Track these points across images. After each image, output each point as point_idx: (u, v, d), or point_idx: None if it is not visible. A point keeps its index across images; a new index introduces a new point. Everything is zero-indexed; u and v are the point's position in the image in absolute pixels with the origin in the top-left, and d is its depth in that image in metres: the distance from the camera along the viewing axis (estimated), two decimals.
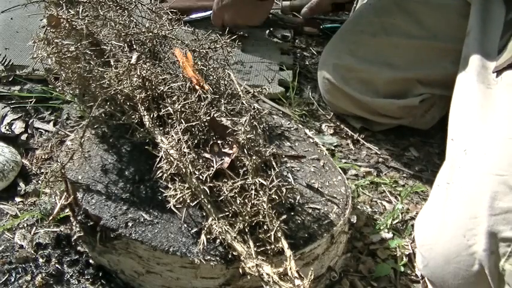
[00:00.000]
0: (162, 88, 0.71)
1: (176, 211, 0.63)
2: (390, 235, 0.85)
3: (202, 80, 0.75)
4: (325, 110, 1.14)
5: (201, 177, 0.64)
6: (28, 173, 0.87)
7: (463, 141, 0.77)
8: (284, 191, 0.65)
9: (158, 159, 0.65)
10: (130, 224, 0.64)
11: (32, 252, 0.72)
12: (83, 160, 0.72)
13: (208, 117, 0.69)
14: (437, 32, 1.02)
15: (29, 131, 0.96)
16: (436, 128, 1.09)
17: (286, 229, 0.63)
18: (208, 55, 0.83)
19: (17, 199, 0.83)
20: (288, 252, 0.58)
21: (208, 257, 0.61)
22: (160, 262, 0.64)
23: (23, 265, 0.70)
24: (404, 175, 1.01)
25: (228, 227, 0.60)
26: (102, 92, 0.72)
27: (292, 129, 0.85)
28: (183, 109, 0.69)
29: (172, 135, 0.67)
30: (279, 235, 0.61)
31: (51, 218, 0.75)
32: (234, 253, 0.60)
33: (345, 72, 1.06)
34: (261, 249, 0.60)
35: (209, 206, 0.62)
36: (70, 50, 0.74)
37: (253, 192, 0.63)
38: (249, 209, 0.61)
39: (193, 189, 0.63)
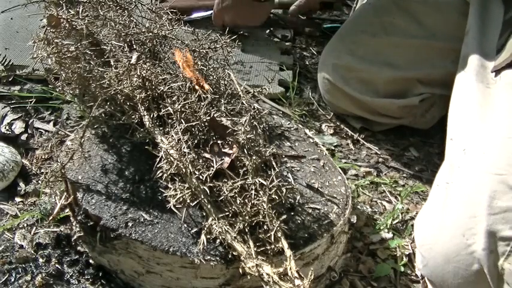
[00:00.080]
0: (162, 88, 0.71)
1: (176, 211, 0.63)
2: (390, 235, 0.85)
3: (202, 80, 0.75)
4: (325, 110, 1.15)
5: (201, 177, 0.64)
6: (28, 173, 0.87)
7: (462, 140, 0.77)
8: (284, 191, 0.65)
9: (158, 159, 0.65)
10: (130, 224, 0.64)
11: (32, 252, 0.72)
12: (83, 160, 0.72)
13: (208, 117, 0.69)
14: (437, 31, 1.02)
15: (29, 131, 0.97)
16: (436, 128, 1.09)
17: (286, 229, 0.63)
18: (208, 55, 0.83)
19: (17, 199, 0.83)
20: (288, 252, 0.58)
21: (208, 257, 0.61)
22: (160, 262, 0.64)
23: (23, 265, 0.70)
24: (404, 175, 1.01)
25: (228, 227, 0.60)
26: (102, 92, 0.72)
27: (292, 129, 0.85)
28: (183, 109, 0.69)
29: (172, 135, 0.67)
30: (279, 235, 0.61)
31: (51, 218, 0.75)
32: (234, 253, 0.60)
33: (344, 72, 1.07)
34: (261, 249, 0.60)
35: (209, 206, 0.62)
36: (70, 50, 0.74)
37: (253, 192, 0.63)
38: (249, 209, 0.61)
39: (193, 189, 0.63)
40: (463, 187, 0.71)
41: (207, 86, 0.74)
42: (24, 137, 0.95)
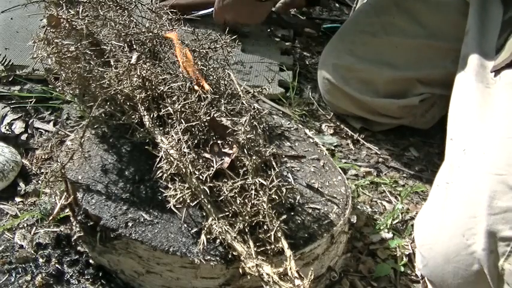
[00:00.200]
0: (162, 88, 0.71)
1: (176, 211, 0.63)
2: (390, 235, 0.85)
3: (202, 79, 0.75)
4: (325, 110, 1.15)
5: (201, 177, 0.64)
6: (28, 173, 0.87)
7: (462, 140, 0.77)
8: (284, 191, 0.65)
9: (158, 159, 0.65)
10: (130, 224, 0.64)
11: (32, 252, 0.72)
12: (83, 160, 0.72)
13: (208, 117, 0.69)
14: (437, 31, 1.02)
15: (29, 131, 0.96)
16: (436, 128, 1.09)
17: (286, 229, 0.63)
18: (208, 55, 0.83)
19: (17, 199, 0.83)
20: (288, 252, 0.58)
21: (208, 257, 0.61)
22: (160, 262, 0.64)
23: (23, 265, 0.70)
24: (404, 175, 1.01)
25: (228, 227, 0.60)
26: (102, 92, 0.72)
27: (292, 129, 0.85)
28: (183, 109, 0.69)
29: (172, 135, 0.67)
30: (279, 235, 0.61)
31: (51, 218, 0.75)
32: (234, 253, 0.60)
33: (344, 72, 1.07)
34: (261, 249, 0.60)
35: (209, 206, 0.62)
36: (70, 50, 0.74)
37: (253, 192, 0.63)
38: (249, 209, 0.61)
39: (193, 189, 0.63)
40: (463, 187, 0.71)
41: (207, 86, 0.74)
42: (24, 137, 0.95)
